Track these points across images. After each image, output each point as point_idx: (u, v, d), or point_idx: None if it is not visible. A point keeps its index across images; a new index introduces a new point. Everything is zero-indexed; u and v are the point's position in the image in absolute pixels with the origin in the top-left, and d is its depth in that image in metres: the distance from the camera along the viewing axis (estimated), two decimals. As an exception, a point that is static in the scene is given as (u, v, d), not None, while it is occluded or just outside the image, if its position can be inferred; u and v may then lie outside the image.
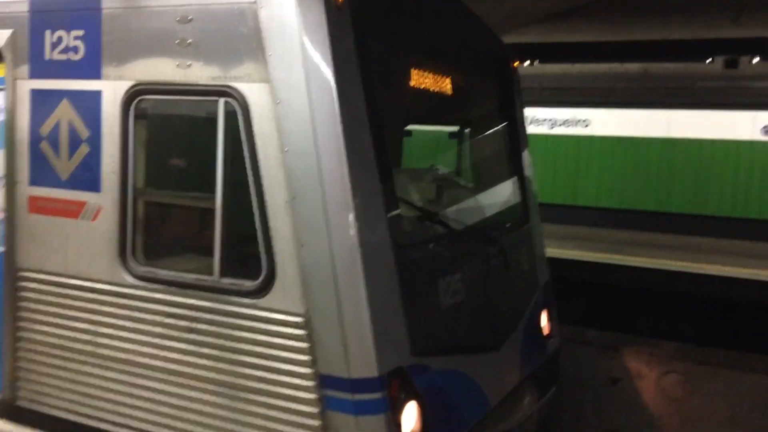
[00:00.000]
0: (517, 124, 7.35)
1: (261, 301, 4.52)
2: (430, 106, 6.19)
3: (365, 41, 4.64)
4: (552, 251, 14.12)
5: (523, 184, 7.23)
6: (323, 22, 4.33)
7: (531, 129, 19.72)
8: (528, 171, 7.43)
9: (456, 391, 5.11)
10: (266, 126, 4.44)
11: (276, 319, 4.48)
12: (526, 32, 17.76)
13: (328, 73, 4.31)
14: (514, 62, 7.49)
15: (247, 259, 4.60)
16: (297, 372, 4.43)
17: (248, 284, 4.57)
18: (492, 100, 7.21)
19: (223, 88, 4.56)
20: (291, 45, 4.35)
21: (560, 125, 19.67)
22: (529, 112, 19.50)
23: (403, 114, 6.27)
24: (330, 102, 4.31)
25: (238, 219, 4.66)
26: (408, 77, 5.52)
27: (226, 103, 4.58)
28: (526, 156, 7.46)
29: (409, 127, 7.28)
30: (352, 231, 4.29)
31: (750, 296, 13.75)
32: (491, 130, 7.27)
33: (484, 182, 7.07)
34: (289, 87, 4.36)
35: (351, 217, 4.30)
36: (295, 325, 4.41)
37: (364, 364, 4.29)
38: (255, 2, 4.44)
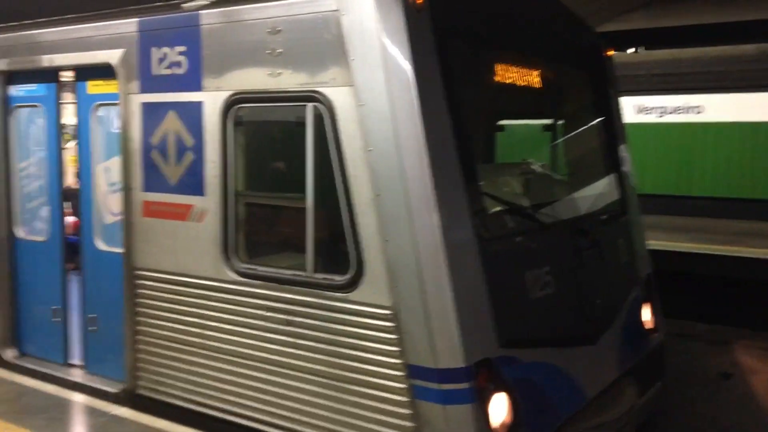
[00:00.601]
0: (612, 114, 7.21)
1: (351, 295, 4.73)
2: (519, 101, 6.20)
3: (446, 40, 4.75)
4: (664, 243, 13.63)
5: (619, 176, 7.09)
6: (402, 24, 4.48)
7: (639, 118, 19.03)
8: (625, 162, 7.27)
9: (548, 383, 5.11)
10: (351, 127, 4.65)
11: (365, 311, 4.67)
12: (631, 18, 17.17)
13: (407, 73, 4.46)
14: (607, 51, 7.35)
15: (338, 255, 4.83)
16: (386, 362, 4.60)
17: (339, 279, 4.79)
18: (585, 92, 7.11)
19: (311, 93, 4.82)
20: (371, 48, 4.53)
21: (671, 113, 18.83)
22: (637, 101, 18.89)
23: (489, 110, 6.32)
24: (410, 102, 4.46)
25: (328, 217, 4.90)
26: (493, 73, 5.57)
27: (314, 107, 4.83)
28: (623, 147, 7.31)
29: (502, 122, 7.31)
30: (435, 226, 4.42)
31: None
32: (585, 122, 7.16)
33: (578, 175, 6.99)
34: (371, 89, 4.55)
35: (433, 212, 4.42)
36: (384, 318, 4.59)
37: (451, 354, 4.41)
38: (337, 9, 4.66)
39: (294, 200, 5.06)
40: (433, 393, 4.45)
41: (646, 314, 6.95)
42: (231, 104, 5.24)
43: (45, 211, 6.90)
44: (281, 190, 5.40)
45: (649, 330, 6.96)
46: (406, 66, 4.47)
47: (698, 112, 18.49)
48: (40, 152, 6.93)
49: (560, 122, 7.14)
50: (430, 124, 4.49)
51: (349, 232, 4.70)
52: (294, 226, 5.10)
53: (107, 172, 6.45)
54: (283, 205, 5.32)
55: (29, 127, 7.07)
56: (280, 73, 4.96)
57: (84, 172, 6.58)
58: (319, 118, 4.82)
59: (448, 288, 4.41)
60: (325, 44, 4.74)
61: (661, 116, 18.92)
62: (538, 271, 5.23)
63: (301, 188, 4.92)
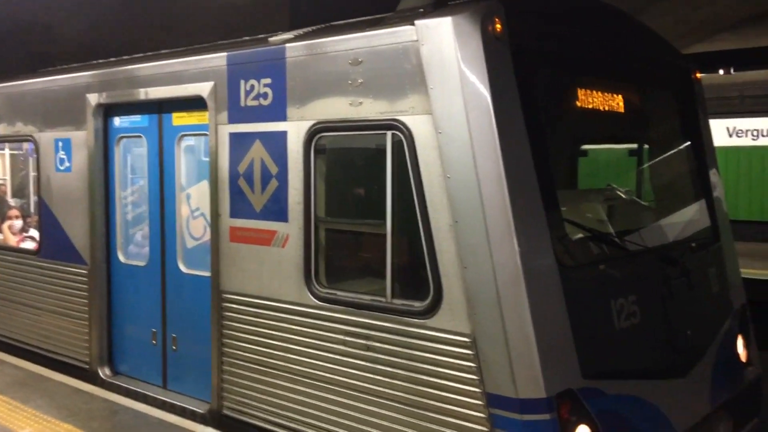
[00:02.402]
0: (702, 138, 6.97)
1: (429, 321, 4.74)
2: (602, 126, 6.09)
3: (525, 67, 4.74)
4: (761, 272, 12.95)
5: (710, 202, 6.83)
6: (480, 53, 4.51)
7: (732, 141, 18.27)
8: (716, 187, 7.00)
9: (635, 417, 4.94)
10: (429, 155, 4.69)
11: (444, 338, 4.67)
12: (722, 39, 16.59)
13: (485, 102, 4.48)
14: (695, 73, 7.13)
15: (416, 281, 4.85)
16: (465, 390, 4.57)
17: (417, 305, 4.81)
18: (672, 115, 6.90)
19: (391, 122, 4.90)
20: (450, 77, 4.58)
21: (765, 135, 17.99)
22: (730, 123, 18.16)
23: (571, 135, 6.23)
24: (488, 130, 4.47)
25: (407, 243, 4.95)
26: (574, 98, 5.50)
27: (393, 135, 4.91)
28: (713, 173, 7.04)
29: (585, 147, 7.18)
30: (514, 253, 4.39)
31: None
32: (673, 146, 6.95)
33: (666, 201, 6.77)
34: (450, 117, 4.59)
35: (512, 239, 4.39)
36: (462, 345, 4.57)
37: (531, 384, 4.34)
38: (417, 40, 4.74)
39: (373, 226, 5.13)
40: (513, 423, 4.38)
41: (741, 346, 6.62)
42: (314, 133, 5.39)
43: (146, 237, 7.23)
44: (361, 216, 5.49)
45: (744, 363, 6.63)
46: (485, 93, 4.49)
47: None
48: (140, 180, 7.28)
49: (646, 147, 6.95)
50: (508, 151, 4.48)
51: (428, 258, 4.72)
52: (373, 252, 5.17)
53: (190, 199, 6.74)
54: (363, 231, 5.40)
55: (131, 156, 7.46)
56: (360, 103, 5.07)
57: (168, 198, 6.89)
58: (398, 146, 4.89)
59: (527, 315, 4.35)
60: (405, 74, 4.82)
61: (756, 139, 18.13)
62: (623, 300, 5.09)
63: (381, 215, 4.99)
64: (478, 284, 4.48)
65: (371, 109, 5.01)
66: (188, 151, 6.77)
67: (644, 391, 5.08)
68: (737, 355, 6.54)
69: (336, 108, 5.23)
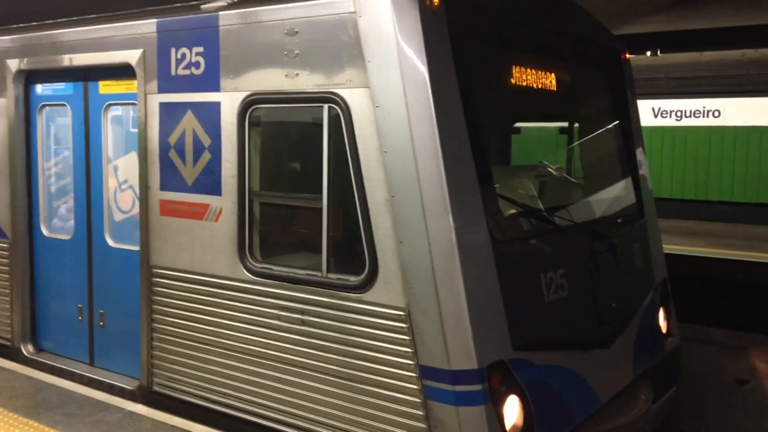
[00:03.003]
0: (629, 117, 7.18)
1: (365, 296, 4.76)
2: (535, 103, 6.20)
3: (462, 42, 4.76)
4: (681, 248, 13.52)
5: (636, 180, 7.06)
6: (418, 26, 4.50)
7: (657, 122, 18.90)
8: (642, 165, 7.24)
9: (562, 386, 5.11)
10: (367, 129, 4.67)
11: (379, 312, 4.69)
12: (651, 21, 17.07)
13: (423, 76, 4.48)
14: (624, 54, 7.32)
15: (352, 255, 4.86)
16: (399, 363, 4.62)
17: (353, 279, 4.82)
18: (602, 94, 7.09)
19: (327, 95, 4.84)
20: (388, 50, 4.55)
21: (689, 116, 18.69)
22: (655, 104, 18.76)
23: (504, 112, 6.31)
24: (426, 104, 4.47)
25: (343, 218, 4.93)
26: (509, 75, 5.57)
27: (330, 108, 4.86)
28: (640, 150, 7.28)
29: (519, 125, 7.30)
30: (449, 227, 4.43)
31: None
32: (602, 125, 7.14)
33: (594, 178, 6.97)
34: (387, 91, 4.57)
35: (448, 214, 4.43)
36: (397, 318, 4.61)
37: (464, 356, 4.42)
38: (354, 11, 4.68)
39: (309, 201, 5.09)
40: (445, 394, 4.45)
41: (662, 318, 6.91)
42: (248, 105, 5.28)
43: (70, 210, 6.98)
44: (297, 190, 5.44)
45: (665, 334, 6.93)
46: (422, 68, 4.49)
47: (717, 116, 18.36)
48: (65, 151, 7.01)
49: (576, 125, 7.12)
50: (445, 126, 4.51)
51: (364, 233, 4.72)
52: (309, 227, 5.13)
53: (117, 171, 6.54)
54: (299, 206, 5.35)
55: (55, 125, 7.16)
56: (297, 74, 5.00)
57: (95, 170, 6.66)
58: (335, 120, 4.85)
59: (461, 289, 4.42)
60: (342, 46, 4.77)
61: (679, 120, 18.81)
62: (552, 274, 5.23)
63: (317, 189, 4.96)
64: (413, 258, 4.51)
65: (308, 81, 4.94)
66: (116, 121, 6.54)
67: (571, 361, 5.25)
68: (658, 326, 6.83)
69: (271, 79, 5.13)
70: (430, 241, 4.45)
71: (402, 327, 4.59)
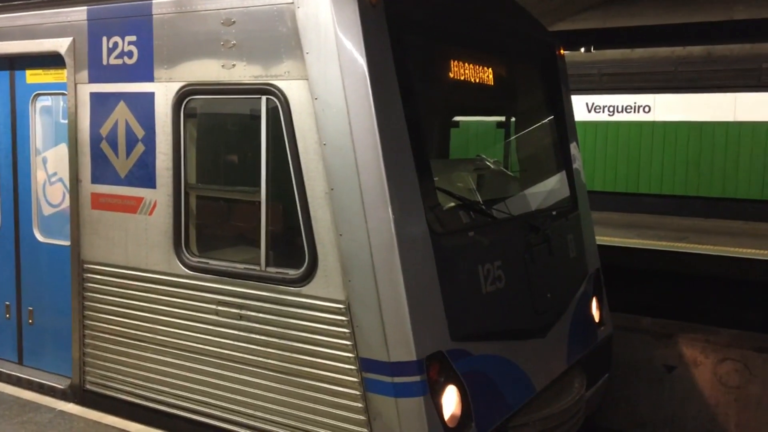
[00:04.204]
0: (564, 112, 7.34)
1: (304, 289, 4.73)
2: (473, 97, 6.27)
3: (401, 36, 4.77)
4: (612, 240, 13.94)
5: (570, 173, 7.23)
6: (357, 19, 4.48)
7: (590, 116, 19.41)
8: (576, 159, 7.42)
9: (498, 375, 5.20)
10: (305, 121, 4.64)
11: (318, 305, 4.68)
12: (584, 18, 17.48)
13: (362, 68, 4.47)
14: (560, 50, 7.47)
15: (291, 249, 4.82)
16: (339, 356, 4.62)
17: (292, 273, 4.79)
18: (538, 89, 7.22)
19: (265, 87, 4.79)
20: (326, 42, 4.53)
21: (620, 111, 19.29)
22: (588, 99, 19.26)
23: (443, 106, 6.36)
24: (365, 97, 4.47)
25: (282, 211, 4.89)
26: (447, 69, 5.62)
27: (268, 100, 4.80)
28: (574, 145, 7.45)
29: (457, 119, 7.37)
30: (388, 220, 4.45)
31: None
32: (537, 119, 7.28)
33: (530, 171, 7.10)
34: (326, 83, 4.54)
35: (387, 206, 4.45)
36: (337, 312, 4.61)
37: (403, 348, 4.44)
38: (293, 2, 4.63)
39: (247, 194, 5.03)
40: (384, 386, 4.48)
41: (595, 308, 7.11)
42: (183, 96, 5.17)
43: None
44: (234, 183, 5.36)
45: (597, 323, 7.13)
46: (361, 60, 4.48)
47: (647, 111, 18.98)
48: None
49: (513, 119, 7.24)
50: (384, 119, 4.51)
51: (303, 226, 4.69)
52: (247, 220, 5.07)
53: (46, 163, 6.32)
54: (236, 199, 5.28)
55: None
56: (233, 65, 4.92)
57: (22, 162, 6.42)
58: (273, 112, 4.79)
59: (400, 282, 4.44)
60: (280, 37, 4.71)
61: (612, 115, 19.36)
62: (489, 265, 5.31)
63: (255, 182, 4.89)
64: (352, 251, 4.51)
65: (245, 72, 4.87)
66: (44, 111, 6.31)
67: (507, 351, 5.35)
68: (591, 316, 7.03)
69: (207, 70, 5.04)
70: (369, 234, 4.46)
71: (342, 320, 4.59)
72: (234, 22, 4.89)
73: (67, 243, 5.98)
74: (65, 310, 6.05)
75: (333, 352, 4.64)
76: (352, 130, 4.48)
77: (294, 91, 4.67)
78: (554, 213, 6.67)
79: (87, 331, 5.84)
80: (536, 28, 7.18)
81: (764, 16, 15.61)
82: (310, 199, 4.65)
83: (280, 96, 4.72)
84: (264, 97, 4.81)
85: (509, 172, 6.96)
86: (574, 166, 7.33)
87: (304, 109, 4.64)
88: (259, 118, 4.85)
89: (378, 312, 4.45)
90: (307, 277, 4.71)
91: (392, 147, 4.54)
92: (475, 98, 6.24)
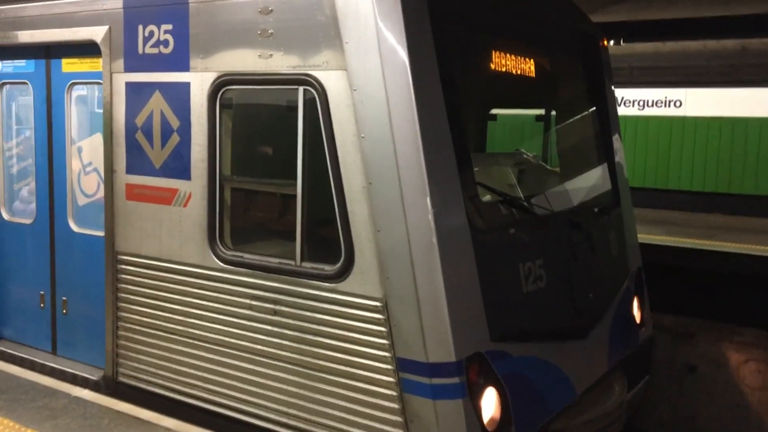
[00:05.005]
0: (607, 105, 7.10)
1: (340, 285, 4.61)
2: (514, 89, 6.08)
3: (442, 25, 4.61)
4: (640, 236, 13.60)
5: (612, 167, 7.00)
6: (398, 7, 4.33)
7: (620, 110, 18.97)
8: (619, 154, 7.18)
9: (538, 378, 5.03)
10: (343, 113, 4.51)
11: (354, 302, 4.55)
12: (615, 10, 17.08)
13: (402, 58, 4.32)
14: (603, 41, 7.23)
15: (327, 244, 4.70)
16: (375, 355, 4.49)
17: (328, 269, 4.67)
18: (580, 82, 6.99)
19: (303, 77, 4.66)
20: (366, 31, 4.38)
21: (651, 106, 18.85)
22: (618, 93, 18.78)
23: (483, 98, 6.19)
24: (405, 88, 4.32)
25: (318, 205, 4.77)
26: (489, 60, 5.43)
27: (306, 91, 4.67)
28: (616, 139, 7.21)
29: (495, 110, 7.18)
30: (428, 216, 4.30)
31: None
32: (580, 113, 7.06)
33: (571, 166, 6.88)
34: (365, 73, 4.40)
35: (427, 201, 4.30)
36: (373, 309, 4.48)
37: (442, 348, 4.30)
38: (332, -10, 4.50)
39: (283, 187, 4.92)
40: (422, 387, 4.34)
41: (636, 308, 6.89)
42: (219, 86, 5.07)
43: (32, 193, 6.68)
44: (270, 176, 5.25)
45: (639, 324, 6.91)
46: (402, 50, 4.33)
47: (678, 106, 18.54)
48: (27, 131, 6.69)
49: (554, 112, 7.03)
50: (424, 111, 4.36)
51: (340, 220, 4.57)
52: (282, 214, 4.97)
53: (81, 153, 6.28)
54: (271, 192, 5.18)
55: (16, 104, 6.83)
56: (270, 55, 4.80)
57: (58, 152, 6.39)
58: (310, 103, 4.67)
59: (440, 279, 4.30)
60: (319, 26, 4.58)
61: (642, 109, 18.94)
62: (531, 264, 5.13)
63: (291, 174, 4.78)
64: (391, 247, 4.38)
65: (282, 62, 4.75)
66: (80, 100, 6.27)
67: (548, 352, 5.17)
68: (633, 316, 6.80)
69: (244, 60, 4.93)
70: (408, 229, 4.32)
71: (378, 318, 4.46)
72: (271, 10, 4.77)
73: (102, 234, 5.94)
74: (99, 300, 6.01)
75: (369, 350, 4.52)
76: (392, 122, 4.33)
77: (332, 81, 4.54)
78: (596, 209, 6.46)
79: (120, 323, 5.80)
80: (580, 18, 6.94)
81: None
82: (347, 193, 4.52)
83: (318, 87, 4.59)
84: (301, 88, 4.68)
85: (549, 167, 6.77)
86: (617, 160, 7.10)
87: (342, 100, 4.51)
88: (296, 109, 4.73)
89: (416, 310, 4.31)
90: (344, 273, 4.59)
91: (433, 140, 4.39)
92: (517, 90, 6.05)
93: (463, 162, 4.61)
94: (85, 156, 6.24)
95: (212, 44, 5.07)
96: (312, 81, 4.62)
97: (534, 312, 5.13)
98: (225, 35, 5.01)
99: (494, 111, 6.94)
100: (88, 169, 6.23)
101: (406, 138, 4.32)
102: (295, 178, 4.76)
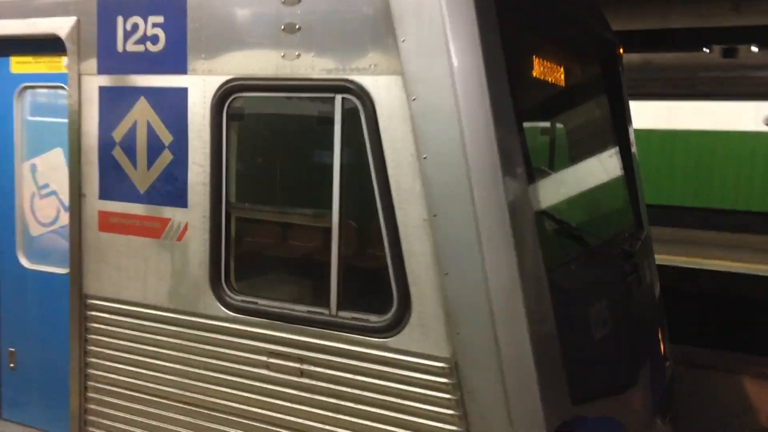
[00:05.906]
0: (626, 118, 6.49)
1: (391, 341, 3.73)
2: (564, 100, 5.37)
3: (507, 26, 3.82)
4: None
5: (633, 187, 6.37)
6: (470, 1, 3.51)
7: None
8: (637, 169, 6.57)
9: None
10: (398, 128, 3.64)
11: (411, 363, 3.68)
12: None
13: (477, 63, 3.50)
14: (620, 48, 6.63)
15: (374, 289, 3.81)
16: (440, 429, 3.62)
17: (374, 319, 3.78)
18: (603, 92, 6.34)
19: (341, 83, 3.77)
20: (432, 28, 3.53)
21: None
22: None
23: (541, 110, 5.39)
24: (480, 98, 3.50)
25: (361, 240, 3.88)
26: (534, 68, 4.68)
27: (345, 100, 3.79)
28: (634, 152, 6.61)
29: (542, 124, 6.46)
30: (511, 255, 3.48)
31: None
32: (602, 127, 6.40)
33: (605, 186, 6.20)
34: (429, 80, 3.55)
35: (509, 239, 3.47)
36: (438, 372, 3.61)
37: (530, 419, 3.49)
38: (383, -24, 3.63)
39: (314, 218, 4.00)
40: None
41: (662, 341, 6.28)
42: (227, 93, 4.10)
43: None
44: (294, 204, 4.31)
45: (666, 358, 6.31)
46: (475, 53, 3.51)
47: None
48: None
49: (579, 125, 6.34)
50: (501, 127, 3.55)
51: (391, 260, 3.69)
52: (312, 251, 4.05)
53: (35, 172, 5.18)
54: (296, 224, 4.23)
55: None
56: (297, 55, 3.88)
57: (3, 171, 5.25)
58: (351, 115, 3.77)
59: (526, 335, 3.49)
60: (364, 20, 3.70)
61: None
62: (598, 304, 4.39)
63: (324, 203, 3.87)
64: (462, 294, 3.53)
65: (313, 64, 3.84)
66: (34, 108, 5.14)
67: (612, 408, 4.45)
68: (664, 351, 6.19)
69: (261, 61, 3.98)
70: (485, 272, 3.48)
71: (445, 383, 3.59)
72: (300, 0, 3.85)
73: (64, 271, 4.86)
74: (58, 353, 4.92)
75: (431, 423, 3.64)
76: (464, 139, 3.49)
77: (382, 89, 3.66)
78: (636, 235, 5.79)
79: (89, 383, 4.72)
80: (603, 23, 6.30)
81: (698, 26, 15.51)
82: (401, 227, 3.65)
83: (363, 95, 3.70)
84: (339, 96, 3.78)
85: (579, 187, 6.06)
86: (636, 177, 6.49)
87: (395, 112, 3.64)
88: (331, 122, 3.82)
89: (499, 374, 3.48)
90: (396, 325, 3.70)
91: (510, 162, 3.58)
92: (565, 101, 5.33)
93: (536, 186, 3.83)
94: (41, 176, 5.13)
95: (218, 41, 4.11)
96: (354, 88, 3.72)
97: (604, 363, 4.38)
98: (236, 30, 4.06)
99: (542, 124, 6.19)
100: (45, 191, 5.12)
101: (481, 159, 3.49)
102: (329, 207, 3.84)
